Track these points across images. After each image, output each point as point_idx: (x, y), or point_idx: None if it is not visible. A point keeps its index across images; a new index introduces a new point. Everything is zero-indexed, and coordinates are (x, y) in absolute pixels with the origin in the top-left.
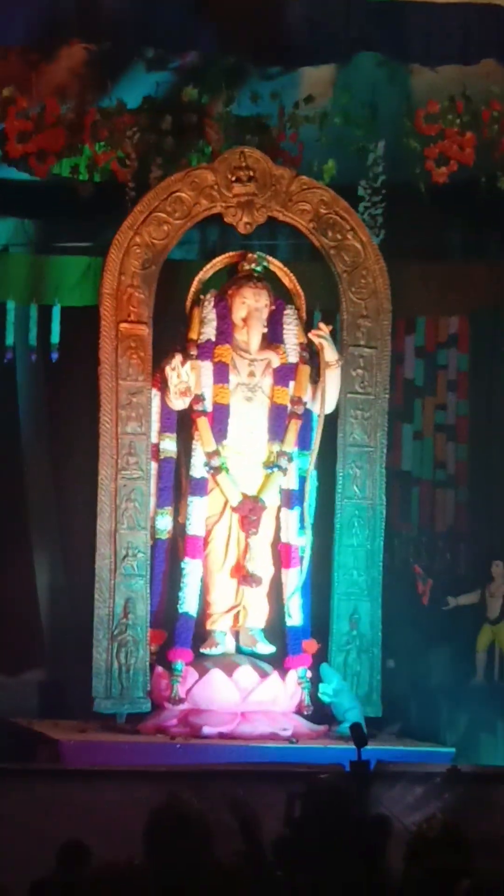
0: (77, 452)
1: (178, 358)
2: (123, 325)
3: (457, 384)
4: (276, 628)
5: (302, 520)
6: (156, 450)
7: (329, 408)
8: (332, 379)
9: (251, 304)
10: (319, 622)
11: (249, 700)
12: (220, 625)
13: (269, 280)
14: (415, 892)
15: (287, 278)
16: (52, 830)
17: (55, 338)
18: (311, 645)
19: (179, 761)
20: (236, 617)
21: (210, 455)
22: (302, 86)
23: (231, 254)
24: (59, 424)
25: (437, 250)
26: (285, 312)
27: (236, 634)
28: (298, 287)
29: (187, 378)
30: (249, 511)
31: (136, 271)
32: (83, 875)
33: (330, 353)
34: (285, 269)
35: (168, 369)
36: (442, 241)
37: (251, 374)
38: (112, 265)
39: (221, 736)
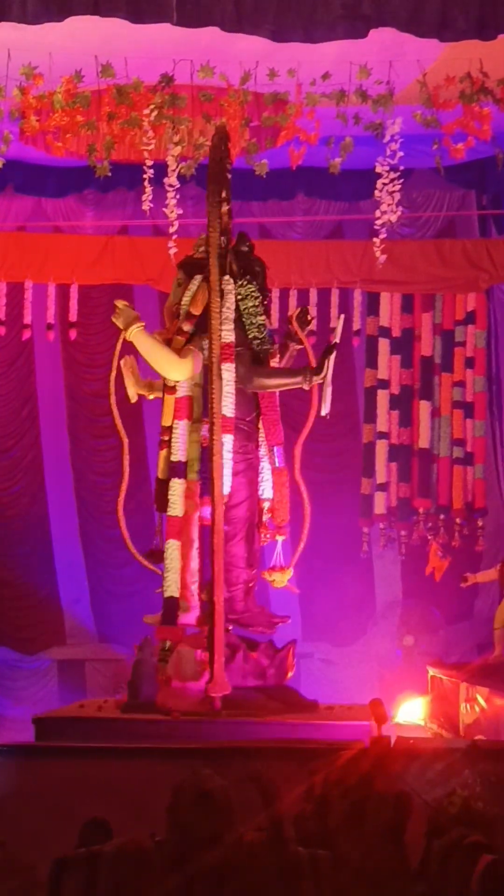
0: (88, 432)
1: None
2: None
3: (474, 361)
4: None
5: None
6: None
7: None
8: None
9: None
10: None
11: None
12: None
13: None
14: (435, 867)
15: None
16: (74, 808)
17: (73, 316)
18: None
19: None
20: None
21: None
22: (319, 63)
23: None
24: (77, 403)
25: (455, 227)
26: None
27: None
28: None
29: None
30: None
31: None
32: (105, 852)
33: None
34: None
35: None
36: (459, 218)
37: None
38: (213, 273)
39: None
